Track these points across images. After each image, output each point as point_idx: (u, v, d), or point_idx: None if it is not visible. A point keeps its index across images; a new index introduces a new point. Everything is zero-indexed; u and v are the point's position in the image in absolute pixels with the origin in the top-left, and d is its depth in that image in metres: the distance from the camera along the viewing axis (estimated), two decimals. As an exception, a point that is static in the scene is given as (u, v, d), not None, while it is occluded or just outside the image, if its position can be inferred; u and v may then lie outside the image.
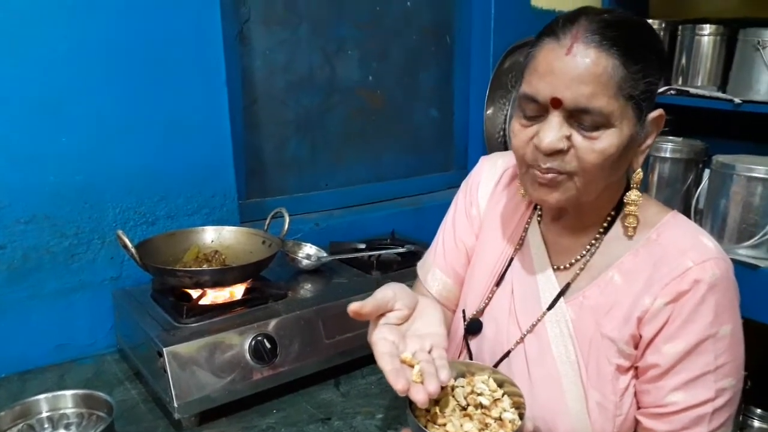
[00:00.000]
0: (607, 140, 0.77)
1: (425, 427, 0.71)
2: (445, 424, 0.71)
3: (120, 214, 1.45)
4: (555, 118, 0.78)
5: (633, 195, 0.86)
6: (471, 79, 2.18)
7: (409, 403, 0.75)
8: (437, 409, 0.74)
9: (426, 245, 1.18)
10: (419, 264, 1.13)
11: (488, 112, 2.08)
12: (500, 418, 0.73)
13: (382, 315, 0.84)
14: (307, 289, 1.46)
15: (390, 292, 0.84)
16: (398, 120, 2.08)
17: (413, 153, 2.15)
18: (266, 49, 1.75)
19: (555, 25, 0.79)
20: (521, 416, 0.73)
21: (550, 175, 0.81)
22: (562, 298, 0.90)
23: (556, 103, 0.77)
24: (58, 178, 1.36)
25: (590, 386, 0.85)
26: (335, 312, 1.34)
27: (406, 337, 0.83)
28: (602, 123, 0.76)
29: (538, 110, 0.80)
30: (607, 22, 0.76)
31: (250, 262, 1.36)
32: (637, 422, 0.86)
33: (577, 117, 0.77)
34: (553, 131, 0.78)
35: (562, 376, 0.87)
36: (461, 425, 0.71)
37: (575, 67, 0.75)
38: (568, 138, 0.78)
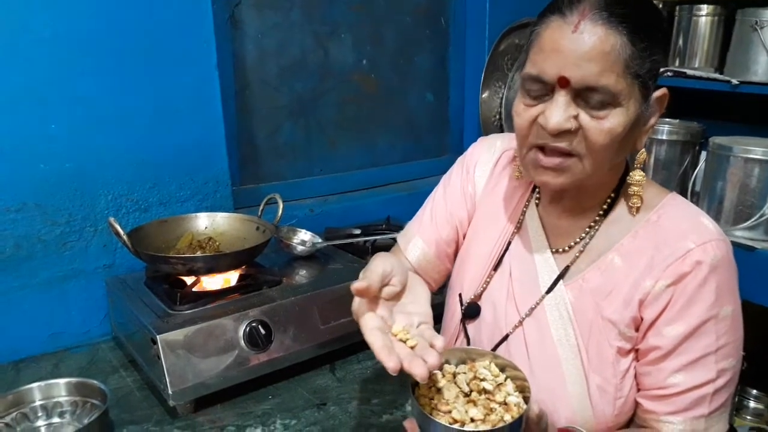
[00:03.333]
0: (615, 119, 0.76)
1: (430, 414, 0.70)
2: (449, 411, 0.71)
3: (112, 201, 1.44)
4: (561, 98, 0.76)
5: (637, 175, 0.85)
6: (466, 62, 2.15)
7: (413, 390, 0.74)
8: (440, 397, 0.73)
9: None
10: (400, 234, 1.11)
11: (484, 96, 2.06)
12: (505, 402, 0.72)
13: None
14: (301, 275, 1.46)
15: (389, 266, 0.81)
16: (393, 104, 2.06)
17: (408, 138, 2.14)
18: (258, 33, 1.72)
19: (560, 1, 0.77)
20: (526, 399, 0.72)
21: (557, 160, 0.79)
22: (561, 281, 0.89)
23: (564, 82, 0.75)
24: (48, 165, 1.34)
25: (591, 369, 0.84)
26: (330, 298, 1.33)
27: (393, 313, 0.80)
28: (610, 102, 0.75)
29: (544, 90, 0.78)
30: None
31: (244, 248, 1.35)
32: (637, 404, 0.86)
33: (585, 96, 0.75)
34: (560, 111, 0.76)
35: (562, 359, 0.86)
36: (466, 411, 0.70)
37: (583, 44, 0.73)
38: (576, 118, 0.76)
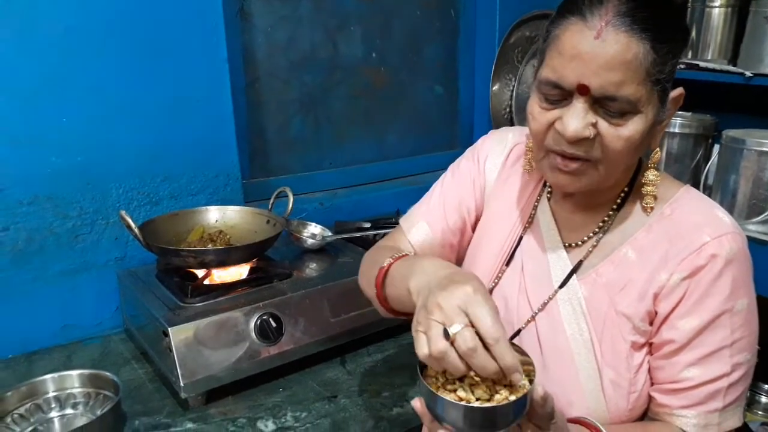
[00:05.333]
0: (633, 126, 0.75)
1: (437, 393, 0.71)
2: (455, 390, 0.71)
3: (123, 194, 1.45)
4: (580, 105, 0.74)
5: (651, 175, 0.85)
6: (476, 55, 2.14)
7: (421, 371, 0.74)
8: (446, 378, 0.74)
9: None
10: (403, 218, 1.08)
11: (494, 89, 2.05)
12: (510, 384, 0.73)
13: None
14: (312, 268, 1.46)
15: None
16: (402, 97, 2.06)
17: (418, 131, 2.13)
18: (267, 26, 1.72)
19: (580, 1, 0.74)
20: (531, 383, 0.73)
21: (574, 165, 0.78)
22: (574, 276, 0.88)
23: (583, 90, 0.73)
24: (60, 158, 1.35)
25: (604, 364, 0.84)
26: (341, 291, 1.34)
27: None
28: (629, 110, 0.74)
29: (562, 95, 0.76)
30: (638, 1, 0.72)
31: (254, 241, 1.35)
32: (650, 398, 0.85)
33: (604, 104, 0.74)
34: (578, 119, 0.74)
35: (575, 354, 0.86)
36: (472, 392, 0.71)
37: (604, 52, 0.71)
38: (594, 125, 0.75)
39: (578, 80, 0.73)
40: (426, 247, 1.03)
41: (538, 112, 0.80)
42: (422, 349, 0.69)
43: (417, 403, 0.72)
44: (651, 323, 0.83)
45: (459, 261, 1.07)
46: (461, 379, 0.73)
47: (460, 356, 0.66)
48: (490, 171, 1.02)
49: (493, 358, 0.66)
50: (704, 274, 0.79)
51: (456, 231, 1.04)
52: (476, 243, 1.03)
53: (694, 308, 0.80)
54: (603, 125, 0.75)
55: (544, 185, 0.97)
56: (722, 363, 0.80)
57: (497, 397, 0.70)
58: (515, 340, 0.92)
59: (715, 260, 0.79)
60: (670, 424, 0.83)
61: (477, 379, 0.72)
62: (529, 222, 0.96)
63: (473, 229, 1.05)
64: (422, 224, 1.04)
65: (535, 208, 0.96)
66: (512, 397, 0.70)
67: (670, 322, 0.81)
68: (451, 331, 0.67)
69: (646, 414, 0.87)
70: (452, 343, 0.67)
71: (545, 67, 0.77)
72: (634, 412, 0.85)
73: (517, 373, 0.67)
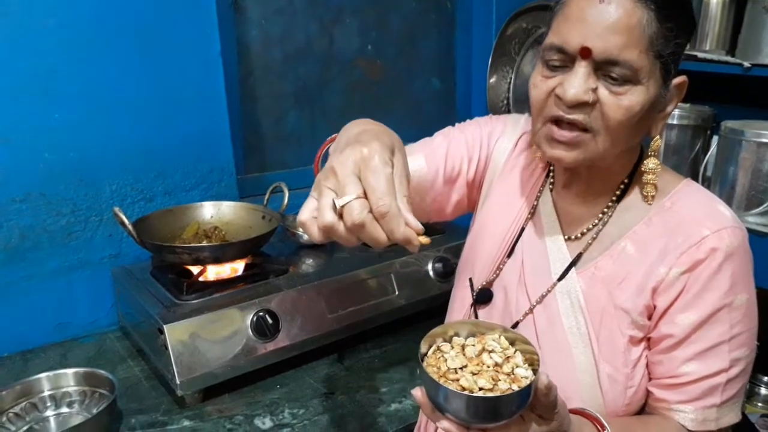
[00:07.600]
0: (634, 97, 0.75)
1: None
2: (458, 380, 0.70)
3: (117, 191, 1.43)
4: (582, 69, 0.75)
5: (651, 163, 0.84)
6: (473, 47, 2.12)
7: (421, 360, 0.74)
8: (448, 367, 0.73)
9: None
10: None
11: (491, 81, 2.03)
12: (513, 373, 0.72)
13: None
14: (308, 264, 1.45)
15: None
16: (399, 90, 2.04)
17: (414, 124, 2.12)
18: (262, 19, 1.70)
19: None
20: (535, 372, 0.72)
21: (571, 134, 0.78)
22: (573, 269, 0.87)
23: (586, 52, 0.74)
24: (52, 155, 1.34)
25: (601, 358, 0.83)
26: (337, 286, 1.33)
27: None
28: (630, 78, 0.74)
29: (564, 60, 0.77)
30: None
31: (249, 237, 1.34)
32: (648, 393, 0.85)
33: (605, 69, 0.74)
34: (578, 82, 0.74)
35: (572, 347, 0.85)
36: (475, 381, 0.70)
37: (609, 15, 0.72)
38: (594, 91, 0.75)
39: (582, 43, 0.74)
40: (414, 180, 0.93)
41: (539, 80, 0.80)
42: (302, 214, 0.63)
43: (418, 392, 0.71)
44: (649, 318, 0.83)
45: (441, 213, 1.02)
46: (463, 367, 0.72)
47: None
48: (498, 152, 1.00)
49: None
50: (703, 268, 0.78)
51: (448, 179, 0.98)
52: (478, 232, 1.02)
53: (692, 303, 0.79)
54: (603, 92, 0.75)
55: (547, 176, 0.96)
56: (720, 358, 0.79)
57: (501, 386, 0.69)
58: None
59: (714, 254, 0.78)
60: (668, 419, 0.82)
61: (480, 367, 0.72)
62: (531, 213, 0.95)
63: (468, 189, 1.01)
64: (419, 156, 0.97)
65: (537, 199, 0.95)
66: (515, 387, 0.69)
67: (668, 317, 0.81)
68: (338, 203, 0.59)
69: (643, 409, 0.86)
70: (341, 216, 0.60)
71: (551, 33, 0.78)
72: (630, 407, 0.84)
73: (411, 245, 0.60)
